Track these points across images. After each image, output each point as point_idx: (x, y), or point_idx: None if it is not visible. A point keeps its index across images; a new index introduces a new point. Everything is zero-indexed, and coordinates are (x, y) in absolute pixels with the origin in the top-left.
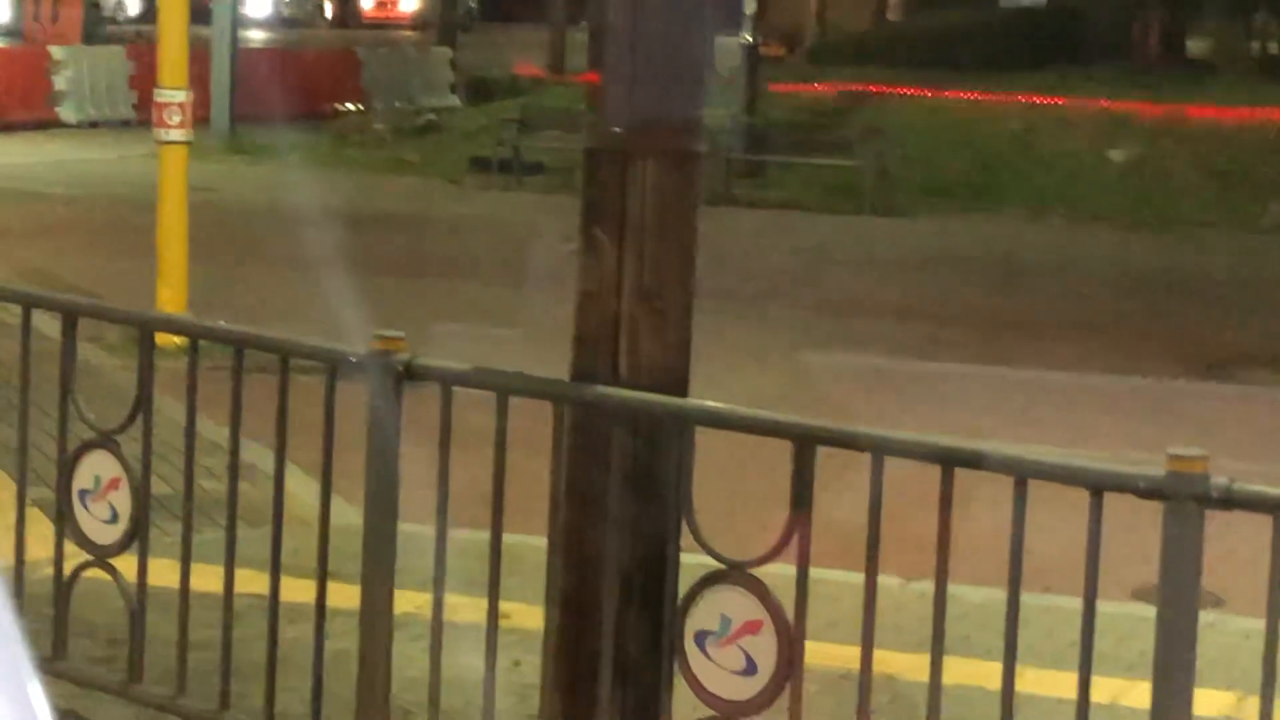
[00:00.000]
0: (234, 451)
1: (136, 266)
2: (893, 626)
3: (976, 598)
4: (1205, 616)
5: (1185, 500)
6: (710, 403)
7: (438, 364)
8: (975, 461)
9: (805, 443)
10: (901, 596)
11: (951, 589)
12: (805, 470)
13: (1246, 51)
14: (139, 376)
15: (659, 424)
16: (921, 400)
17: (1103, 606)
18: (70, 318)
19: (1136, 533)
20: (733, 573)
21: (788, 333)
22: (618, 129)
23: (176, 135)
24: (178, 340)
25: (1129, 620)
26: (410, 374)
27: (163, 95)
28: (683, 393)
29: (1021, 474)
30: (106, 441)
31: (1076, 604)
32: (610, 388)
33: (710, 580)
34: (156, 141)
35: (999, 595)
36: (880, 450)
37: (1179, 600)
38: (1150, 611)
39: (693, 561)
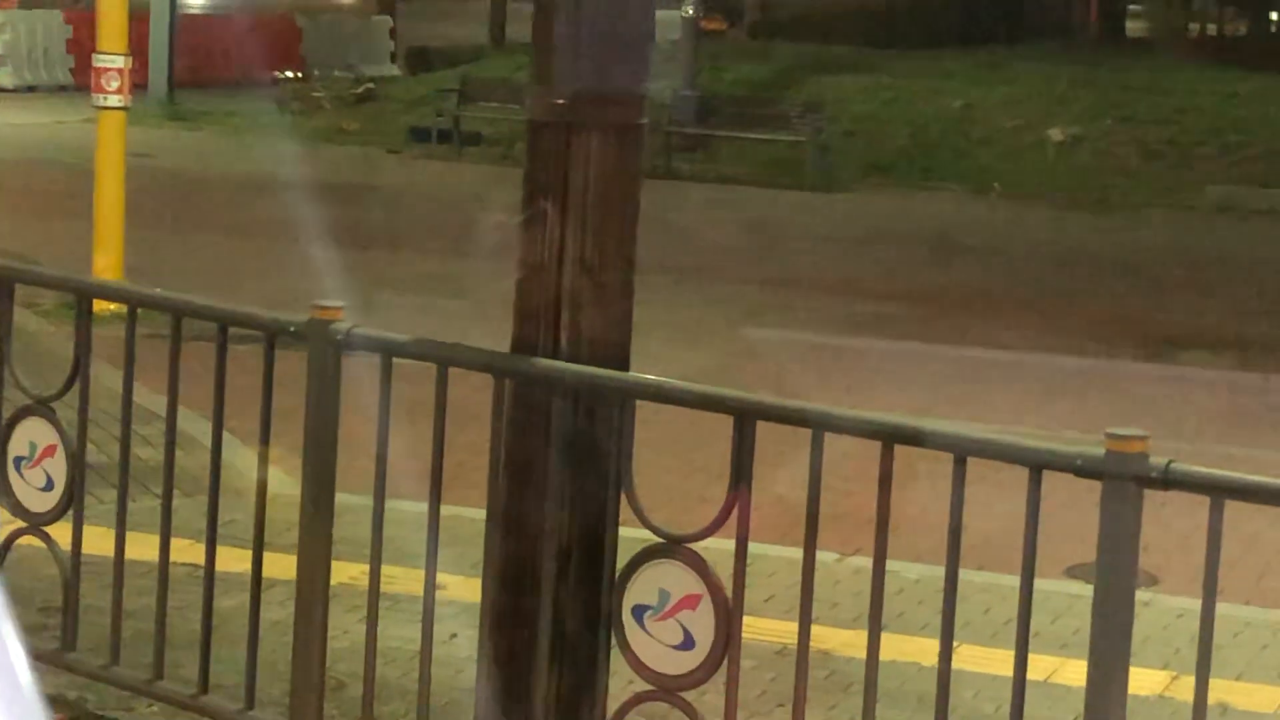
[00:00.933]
0: (171, 420)
1: (73, 232)
2: (829, 602)
3: (913, 574)
4: (1140, 595)
5: (1124, 480)
6: (650, 376)
7: (377, 334)
8: (916, 439)
9: (745, 417)
10: (838, 571)
11: (889, 565)
12: (745, 445)
13: (1185, 31)
14: (76, 343)
15: (599, 397)
16: (862, 377)
17: (1038, 584)
18: (6, 284)
19: (1072, 510)
20: (671, 547)
21: (729, 308)
22: (561, 100)
23: (114, 100)
24: (114, 307)
25: (1063, 598)
26: (349, 344)
27: (101, 60)
28: (624, 366)
29: (961, 452)
30: (42, 408)
31: (1012, 581)
32: (551, 360)
33: (649, 554)
34: (94, 107)
35: (935, 572)
36: (821, 426)
37: (1116, 579)
38: (1084, 589)
39: (631, 536)
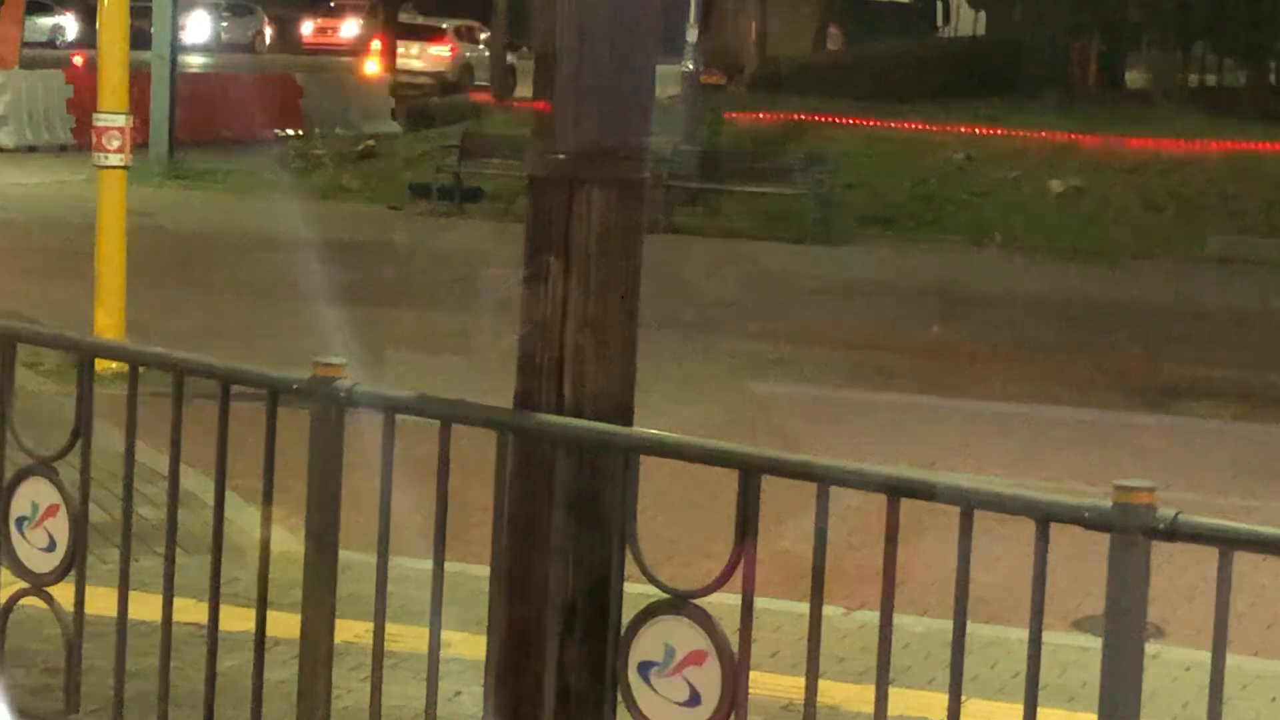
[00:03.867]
0: (173, 479)
1: (74, 291)
2: (835, 657)
3: (919, 628)
4: (1147, 648)
5: (1132, 532)
6: (654, 431)
7: (379, 391)
8: (922, 492)
9: (750, 472)
10: (844, 626)
11: (894, 619)
12: (750, 500)
13: (1184, 83)
14: (78, 403)
15: (603, 452)
16: (865, 429)
17: (1046, 637)
18: (8, 342)
19: (1078, 562)
20: (677, 603)
21: (730, 362)
22: (562, 156)
23: (115, 160)
24: (116, 366)
25: (1071, 650)
26: (352, 401)
27: (102, 120)
28: (627, 421)
29: (968, 505)
30: (44, 468)
31: (1018, 634)
32: (554, 416)
33: (654, 610)
34: (95, 166)
35: (940, 625)
36: (826, 480)
37: (1125, 632)
38: (1092, 642)
39: (636, 591)
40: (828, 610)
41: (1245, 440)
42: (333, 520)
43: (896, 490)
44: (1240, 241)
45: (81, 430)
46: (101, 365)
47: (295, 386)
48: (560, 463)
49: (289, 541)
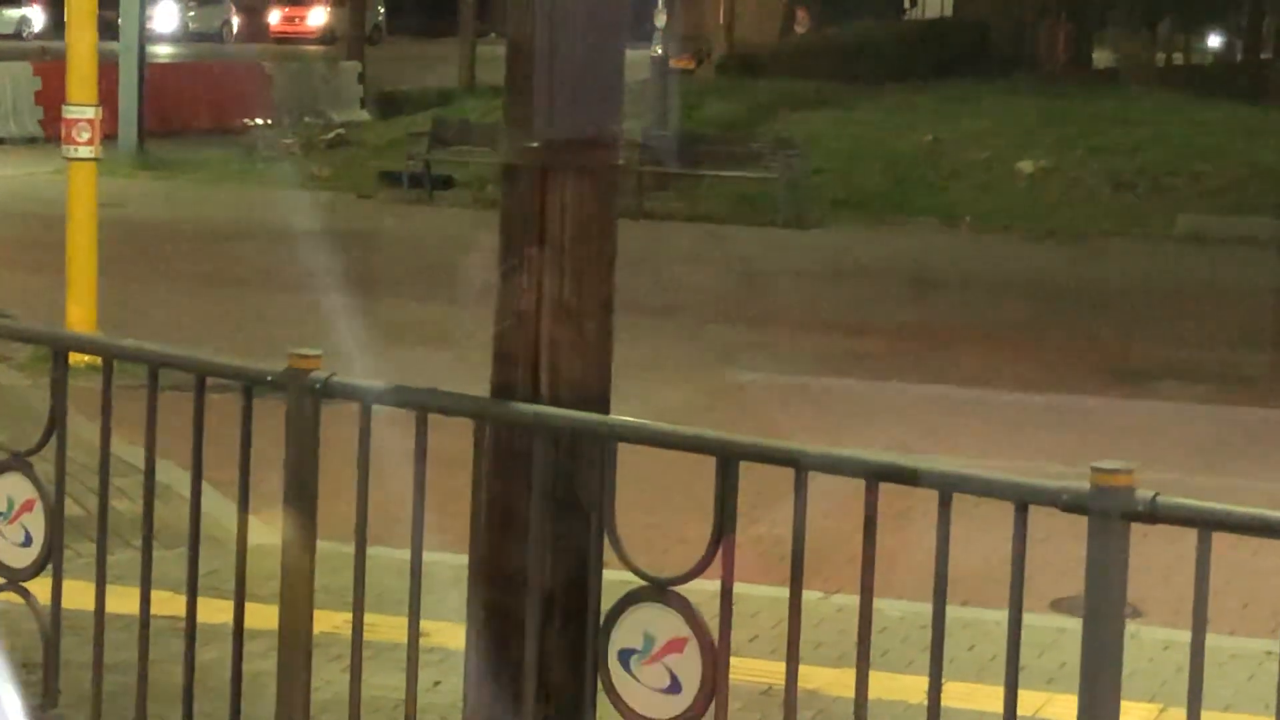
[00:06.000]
0: (149, 472)
1: (45, 284)
2: (814, 641)
3: (896, 611)
4: (1126, 628)
5: (1111, 514)
6: (632, 419)
7: (355, 382)
8: (901, 476)
9: (728, 458)
10: (822, 610)
11: (873, 603)
12: (728, 486)
13: (1151, 62)
14: (52, 397)
15: (580, 440)
16: (840, 413)
17: (1024, 619)
18: None
19: (1055, 544)
20: (656, 590)
21: (705, 346)
22: (535, 144)
23: (85, 152)
24: (89, 359)
25: (1049, 632)
26: (327, 392)
27: (71, 111)
28: (604, 409)
29: (947, 489)
30: (19, 463)
31: (996, 616)
32: (531, 404)
33: (633, 598)
34: (65, 158)
35: (918, 608)
36: (805, 466)
37: (1105, 613)
38: (1070, 623)
39: (616, 579)
40: (806, 595)
41: (1219, 419)
42: (310, 511)
43: (876, 475)
44: (1209, 220)
45: (57, 424)
46: (75, 358)
47: (270, 379)
48: (538, 451)
49: (266, 533)
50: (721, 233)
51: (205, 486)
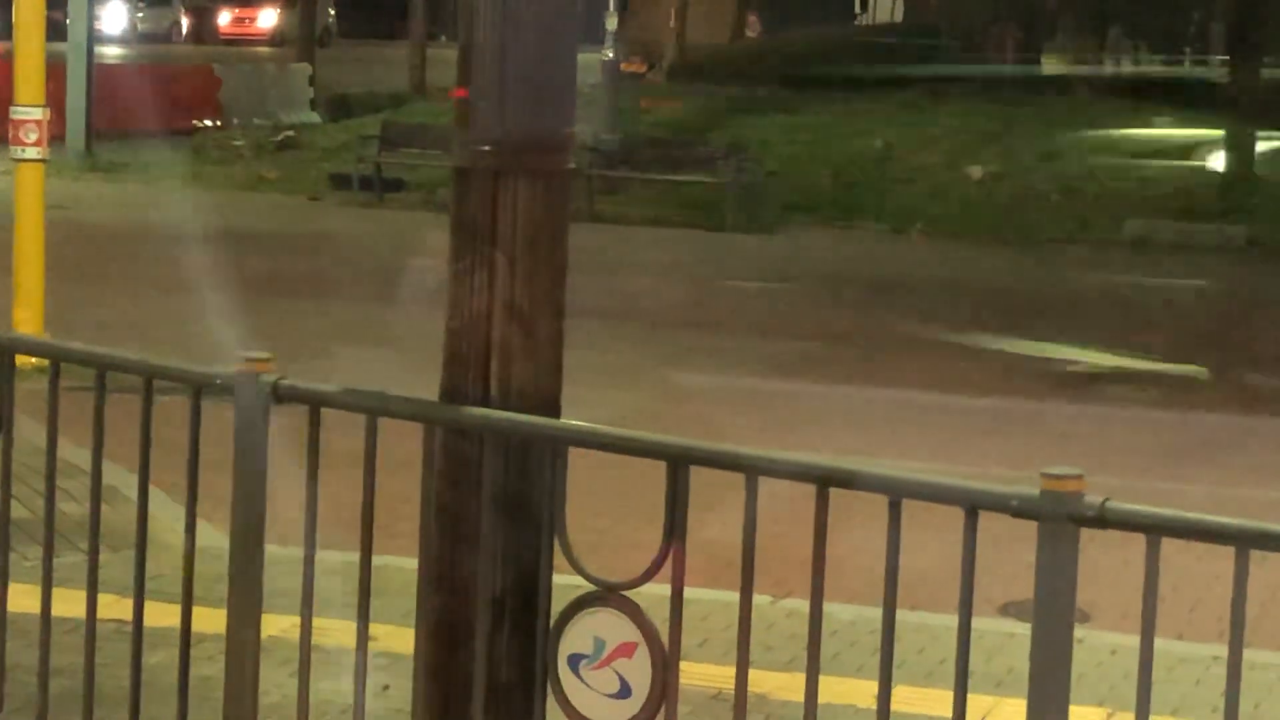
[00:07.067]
0: (96, 474)
1: None
2: (764, 645)
3: (846, 615)
4: (1074, 632)
5: (1060, 519)
6: (582, 423)
7: (306, 385)
8: (850, 481)
9: (679, 463)
10: (771, 614)
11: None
12: (680, 491)
13: (1100, 69)
14: None
15: (531, 444)
16: (789, 417)
17: (973, 623)
18: None
19: (1003, 548)
20: (606, 594)
21: (655, 349)
22: (486, 147)
23: (33, 153)
24: (35, 361)
25: (997, 636)
26: (278, 396)
27: (19, 113)
28: (555, 413)
29: (896, 494)
30: None
31: (945, 620)
32: (481, 409)
33: (583, 602)
34: (12, 159)
35: (868, 613)
36: (755, 470)
37: (1054, 619)
38: (1019, 628)
39: (565, 583)
40: (756, 599)
41: (1166, 424)
42: (258, 514)
43: (824, 480)
44: (1156, 225)
45: (2, 426)
46: (21, 360)
47: (219, 381)
48: (488, 455)
49: (213, 536)
50: (672, 236)
51: (152, 490)
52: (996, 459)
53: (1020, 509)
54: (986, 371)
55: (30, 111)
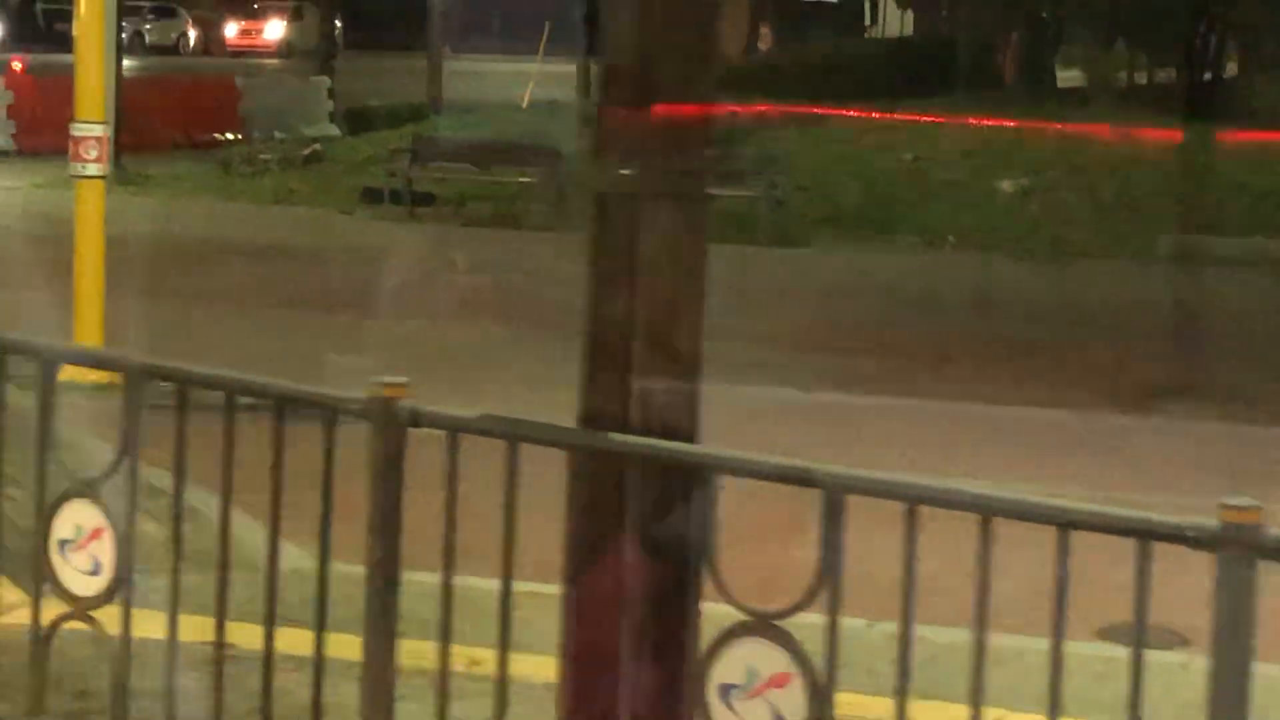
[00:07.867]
0: (226, 499)
1: (32, 301)
2: (865, 670)
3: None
4: (1174, 656)
5: (1241, 551)
6: (733, 451)
7: (445, 411)
8: (1015, 513)
9: (834, 492)
10: (871, 637)
11: (926, 632)
12: (834, 520)
13: (1116, 80)
14: (124, 423)
15: (677, 471)
16: (849, 434)
17: (1073, 647)
18: (50, 365)
19: (1090, 569)
20: (758, 624)
21: (710, 367)
22: (627, 171)
23: (94, 170)
24: (105, 377)
25: (1099, 661)
26: (416, 421)
27: (80, 129)
28: (693, 438)
29: (1065, 523)
30: (87, 490)
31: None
32: (624, 435)
33: (735, 632)
34: (72, 176)
35: (1035, 643)
36: (915, 500)
37: (1234, 652)
38: (1120, 652)
39: (716, 612)
40: (846, 621)
41: (1231, 441)
42: (396, 543)
43: (989, 510)
44: (1190, 239)
45: (128, 451)
46: (95, 376)
47: (355, 408)
48: (631, 482)
49: (301, 558)
50: (709, 251)
51: (240, 512)
52: (1071, 478)
53: (1198, 540)
54: (1039, 386)
55: (91, 128)
